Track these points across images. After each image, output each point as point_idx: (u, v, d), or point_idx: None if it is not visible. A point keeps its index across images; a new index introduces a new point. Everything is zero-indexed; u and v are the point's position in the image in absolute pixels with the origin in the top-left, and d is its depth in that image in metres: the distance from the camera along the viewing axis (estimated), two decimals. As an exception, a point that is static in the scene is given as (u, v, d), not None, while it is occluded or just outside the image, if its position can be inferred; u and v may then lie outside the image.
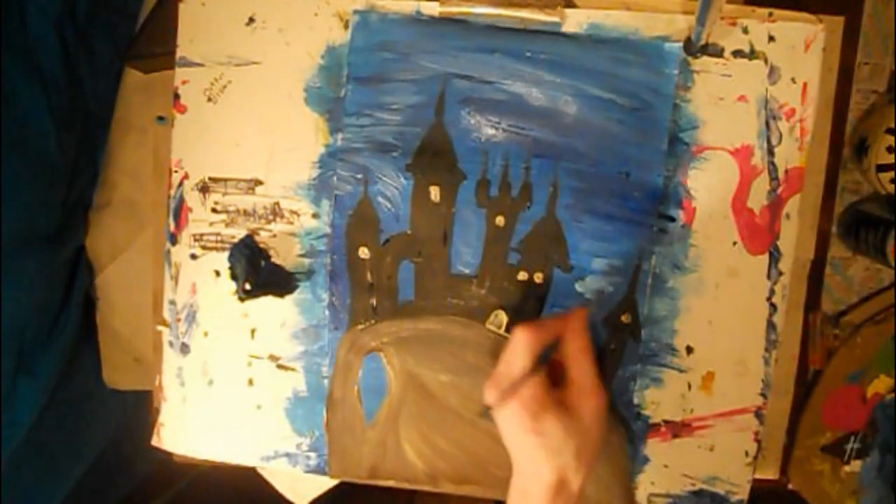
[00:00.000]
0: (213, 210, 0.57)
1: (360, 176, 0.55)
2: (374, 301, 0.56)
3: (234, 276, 0.56)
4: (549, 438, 0.43)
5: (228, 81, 0.56)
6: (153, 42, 0.61)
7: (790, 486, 0.61)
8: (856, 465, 0.59)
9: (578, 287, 0.54)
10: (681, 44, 0.52)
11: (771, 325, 0.54)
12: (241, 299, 0.56)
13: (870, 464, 0.58)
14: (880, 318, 0.59)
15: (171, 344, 0.59)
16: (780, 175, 0.53)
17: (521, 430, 0.43)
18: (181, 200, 0.58)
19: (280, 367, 0.58)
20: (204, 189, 0.57)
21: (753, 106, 0.53)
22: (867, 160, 0.56)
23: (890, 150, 0.55)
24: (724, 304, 0.54)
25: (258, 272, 0.56)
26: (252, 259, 0.56)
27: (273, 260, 0.57)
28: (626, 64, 0.53)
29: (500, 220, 0.55)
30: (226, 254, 0.57)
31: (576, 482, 0.44)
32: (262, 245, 0.57)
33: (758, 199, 0.53)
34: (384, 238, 0.56)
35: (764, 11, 0.52)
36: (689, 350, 0.55)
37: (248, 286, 0.55)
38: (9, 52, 0.53)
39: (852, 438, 0.59)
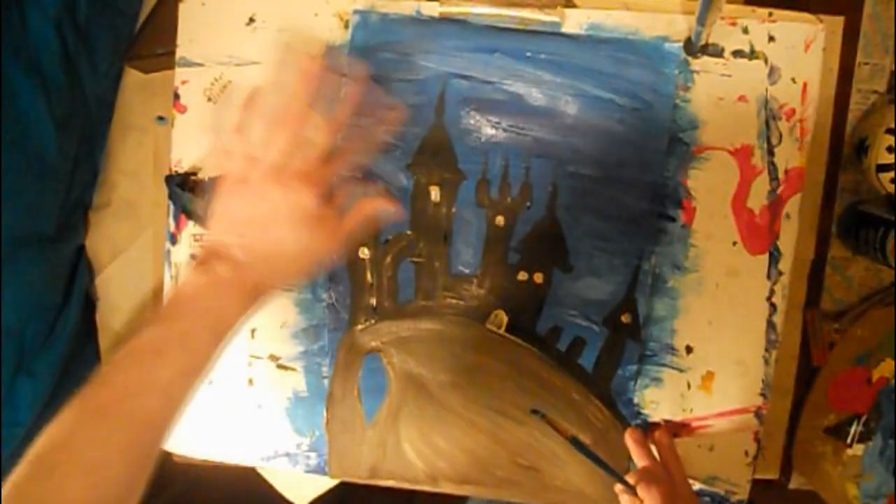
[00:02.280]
0: (213, 210, 0.57)
1: (359, 176, 0.55)
2: (374, 301, 0.56)
3: (191, 215, 0.57)
4: None
5: (228, 81, 0.56)
6: (153, 42, 0.61)
7: (791, 486, 0.61)
8: (858, 449, 0.59)
9: (578, 287, 0.54)
10: (681, 44, 0.52)
11: (771, 325, 0.54)
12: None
13: (872, 448, 0.58)
14: (890, 301, 0.59)
15: (171, 344, 0.59)
16: (780, 175, 0.53)
17: None
18: (181, 200, 0.58)
19: (280, 367, 0.58)
20: (204, 189, 0.57)
21: (753, 106, 0.53)
22: (867, 160, 0.56)
23: (890, 150, 0.55)
24: (724, 304, 0.54)
25: (209, 195, 0.56)
26: (189, 188, 0.56)
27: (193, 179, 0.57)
28: (626, 64, 0.53)
29: (500, 220, 0.55)
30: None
31: None
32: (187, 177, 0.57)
33: (758, 199, 0.53)
34: (384, 238, 0.56)
35: (764, 11, 0.52)
36: (689, 350, 0.55)
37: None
38: (9, 52, 0.53)
39: (856, 421, 0.59)
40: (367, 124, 0.54)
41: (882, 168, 0.56)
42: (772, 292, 0.54)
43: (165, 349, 0.42)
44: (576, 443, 0.53)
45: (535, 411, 0.54)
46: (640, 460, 0.53)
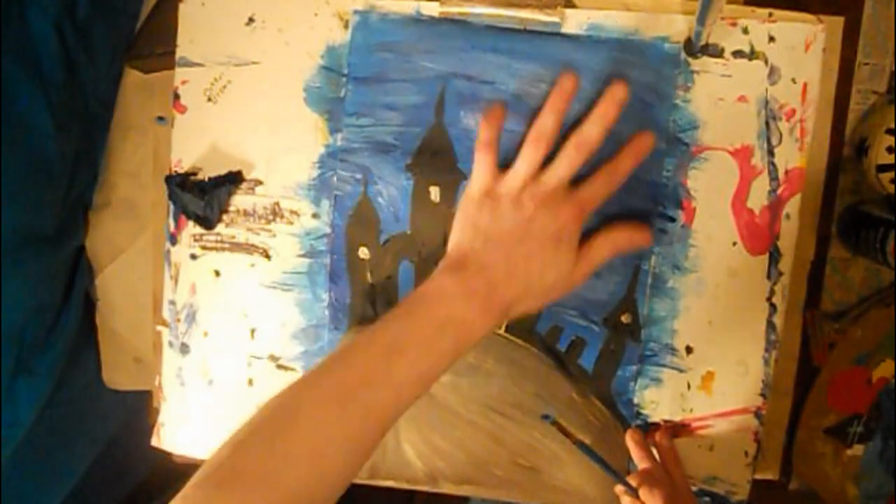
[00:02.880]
0: (213, 210, 0.57)
1: (359, 176, 0.55)
2: (374, 301, 0.56)
3: (200, 218, 0.57)
4: None
5: (228, 81, 0.56)
6: (153, 42, 0.61)
7: (791, 486, 0.61)
8: (858, 450, 0.59)
9: (578, 287, 0.54)
10: (681, 44, 0.52)
11: (771, 326, 0.54)
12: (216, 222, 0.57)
13: (872, 448, 0.58)
14: (890, 301, 0.59)
15: (171, 344, 0.59)
16: (780, 175, 0.53)
17: None
18: (181, 200, 0.58)
19: (280, 367, 0.58)
20: (204, 189, 0.57)
21: (753, 106, 0.53)
22: (867, 160, 0.56)
23: (890, 150, 0.55)
24: (724, 304, 0.54)
25: (209, 196, 0.56)
26: (189, 188, 0.56)
27: (192, 179, 0.57)
28: (626, 64, 0.53)
29: (500, 220, 0.54)
30: (225, 254, 0.57)
31: None
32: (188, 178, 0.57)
33: (758, 199, 0.53)
34: (384, 238, 0.56)
35: (764, 12, 0.52)
36: (689, 350, 0.55)
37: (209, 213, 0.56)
38: (9, 52, 0.53)
39: (856, 421, 0.59)
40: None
41: (882, 168, 0.56)
42: (772, 292, 0.54)
43: (407, 348, 0.41)
44: (583, 447, 0.53)
45: (545, 416, 0.54)
46: (641, 462, 0.53)
